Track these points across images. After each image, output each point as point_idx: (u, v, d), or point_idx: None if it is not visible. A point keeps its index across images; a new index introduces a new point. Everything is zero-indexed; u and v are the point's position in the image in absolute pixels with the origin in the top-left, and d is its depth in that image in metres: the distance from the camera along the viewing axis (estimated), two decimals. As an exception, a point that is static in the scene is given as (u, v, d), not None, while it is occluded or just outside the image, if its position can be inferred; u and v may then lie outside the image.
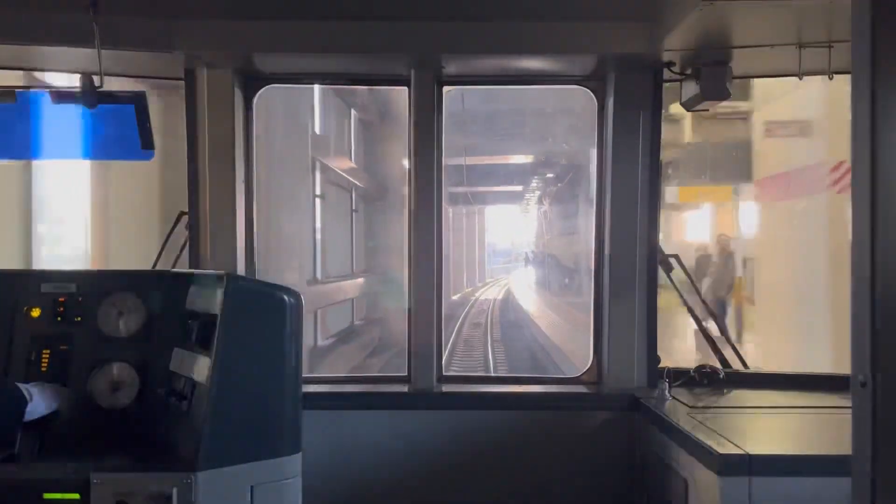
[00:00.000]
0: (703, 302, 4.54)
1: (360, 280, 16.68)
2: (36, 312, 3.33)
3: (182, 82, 3.90)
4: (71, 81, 3.67)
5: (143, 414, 3.18)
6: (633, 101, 3.88)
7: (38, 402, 2.80)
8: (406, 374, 4.09)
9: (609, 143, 3.96)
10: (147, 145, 3.59)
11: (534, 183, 24.80)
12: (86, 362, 3.25)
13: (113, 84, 3.54)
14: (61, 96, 3.55)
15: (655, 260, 3.96)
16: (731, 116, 13.53)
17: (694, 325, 4.71)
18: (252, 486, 2.88)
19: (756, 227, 14.45)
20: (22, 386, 2.82)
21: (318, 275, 13.99)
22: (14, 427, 2.77)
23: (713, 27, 3.22)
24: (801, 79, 3.62)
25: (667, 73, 3.78)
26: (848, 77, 1.36)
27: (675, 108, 4.27)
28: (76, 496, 2.73)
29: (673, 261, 4.11)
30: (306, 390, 3.23)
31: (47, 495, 2.73)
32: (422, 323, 4.01)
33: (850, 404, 1.32)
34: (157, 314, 3.32)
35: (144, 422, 3.16)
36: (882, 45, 1.22)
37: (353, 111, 17.12)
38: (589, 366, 4.15)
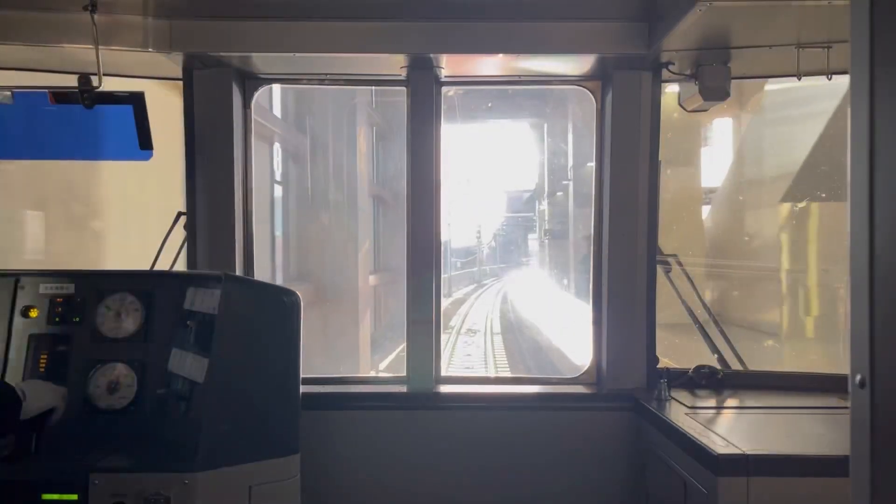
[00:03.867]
0: (703, 302, 4.54)
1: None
2: (34, 313, 3.33)
3: (180, 82, 3.91)
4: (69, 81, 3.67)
5: (142, 414, 3.18)
6: (632, 102, 3.88)
7: (33, 400, 2.80)
8: (405, 374, 4.09)
9: (608, 143, 3.96)
10: (145, 145, 3.59)
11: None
12: (84, 363, 3.25)
13: (111, 84, 3.54)
14: (60, 96, 3.54)
15: (655, 260, 3.96)
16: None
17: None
18: (250, 487, 2.88)
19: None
20: (15, 385, 2.82)
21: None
22: (9, 427, 2.77)
23: (712, 27, 3.23)
24: (799, 79, 3.62)
25: (666, 74, 3.78)
26: (847, 77, 1.36)
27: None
28: (74, 497, 2.72)
29: (672, 261, 4.12)
30: (305, 391, 3.22)
31: (46, 496, 2.72)
32: (420, 323, 4.01)
33: (848, 404, 1.32)
34: (156, 315, 3.32)
35: (143, 422, 3.16)
36: (881, 45, 1.22)
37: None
38: (588, 366, 4.15)
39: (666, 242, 4.06)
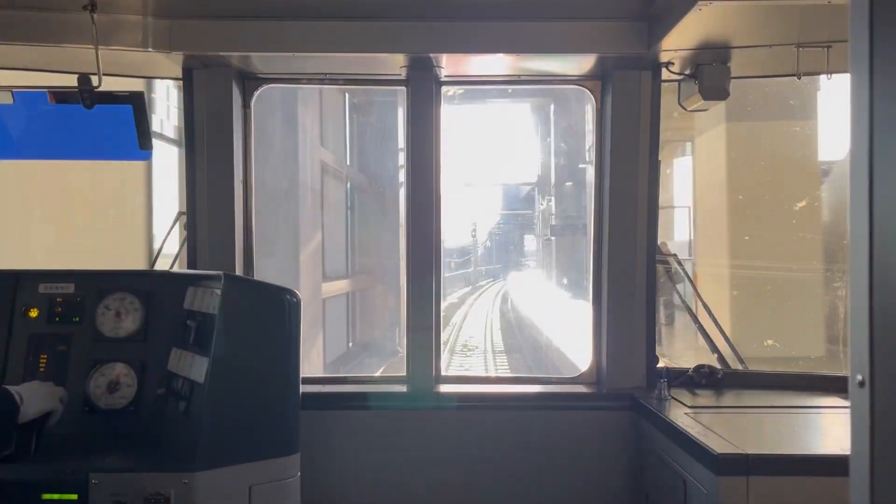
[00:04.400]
0: (703, 301, 4.54)
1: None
2: (34, 313, 3.33)
3: (180, 82, 3.91)
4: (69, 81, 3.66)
5: (142, 414, 3.18)
6: (632, 102, 3.88)
7: (30, 404, 2.78)
8: (405, 374, 4.09)
9: (608, 143, 3.96)
10: (145, 145, 3.59)
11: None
12: (84, 363, 3.24)
13: (111, 84, 3.54)
14: (59, 96, 3.54)
15: (654, 260, 3.96)
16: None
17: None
18: (250, 487, 2.88)
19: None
20: (12, 389, 2.80)
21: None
22: (7, 431, 2.76)
23: (712, 27, 3.23)
24: (799, 79, 3.62)
25: (665, 73, 3.78)
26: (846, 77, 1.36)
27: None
28: (74, 496, 2.72)
29: (672, 261, 4.12)
30: (304, 390, 3.22)
31: (46, 496, 2.72)
32: (420, 323, 4.01)
33: (848, 404, 1.32)
34: (156, 314, 3.32)
35: (143, 422, 3.16)
36: (880, 45, 1.22)
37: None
38: (588, 366, 4.15)
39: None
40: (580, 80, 4.09)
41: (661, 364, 3.96)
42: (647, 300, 3.94)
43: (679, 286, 4.25)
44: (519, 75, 4.12)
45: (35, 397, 2.83)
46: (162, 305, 3.32)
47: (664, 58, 3.65)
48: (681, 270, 4.23)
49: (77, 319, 3.31)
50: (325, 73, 4.07)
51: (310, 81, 4.22)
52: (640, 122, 3.89)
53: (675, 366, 4.04)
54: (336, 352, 10.67)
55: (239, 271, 3.97)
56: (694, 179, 8.51)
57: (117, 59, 3.63)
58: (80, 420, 3.14)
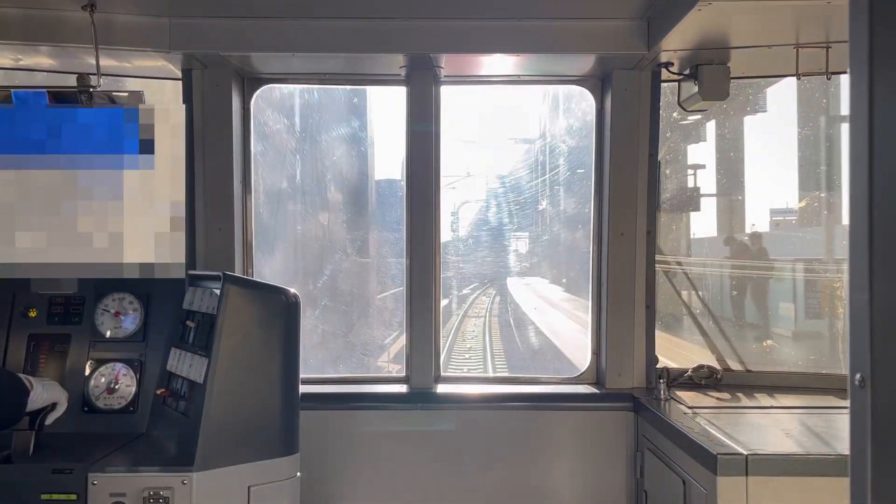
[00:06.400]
0: (703, 302, 4.55)
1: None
2: (33, 313, 3.33)
3: (180, 82, 3.91)
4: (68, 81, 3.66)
5: (141, 414, 3.18)
6: (631, 102, 3.88)
7: (40, 391, 2.81)
8: (404, 374, 4.09)
9: (607, 144, 3.96)
10: (146, 148, 3.58)
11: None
12: (84, 363, 3.25)
13: (110, 84, 3.53)
14: (58, 96, 3.54)
15: (654, 260, 3.96)
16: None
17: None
18: (250, 487, 2.88)
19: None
20: (22, 376, 2.84)
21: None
22: (16, 415, 2.77)
23: (711, 27, 3.23)
24: (798, 79, 3.62)
25: (665, 73, 3.78)
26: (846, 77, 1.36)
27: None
28: (74, 497, 2.72)
29: (672, 261, 4.13)
30: (304, 390, 3.23)
31: (45, 496, 2.72)
32: (419, 323, 4.01)
33: (848, 404, 1.32)
34: (155, 315, 3.32)
35: (142, 422, 3.16)
36: (879, 45, 1.22)
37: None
38: (588, 366, 4.15)
39: None
40: (580, 80, 4.09)
41: (660, 364, 3.96)
42: (647, 300, 3.95)
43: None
44: (519, 74, 4.12)
45: (43, 386, 2.86)
46: (162, 306, 3.32)
47: (664, 58, 3.65)
48: (681, 271, 4.23)
49: (76, 320, 3.32)
50: (325, 73, 4.07)
51: (309, 81, 4.22)
52: (639, 122, 3.89)
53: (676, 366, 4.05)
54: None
55: (239, 271, 3.98)
56: None
57: (117, 59, 3.62)
58: (80, 420, 3.14)
